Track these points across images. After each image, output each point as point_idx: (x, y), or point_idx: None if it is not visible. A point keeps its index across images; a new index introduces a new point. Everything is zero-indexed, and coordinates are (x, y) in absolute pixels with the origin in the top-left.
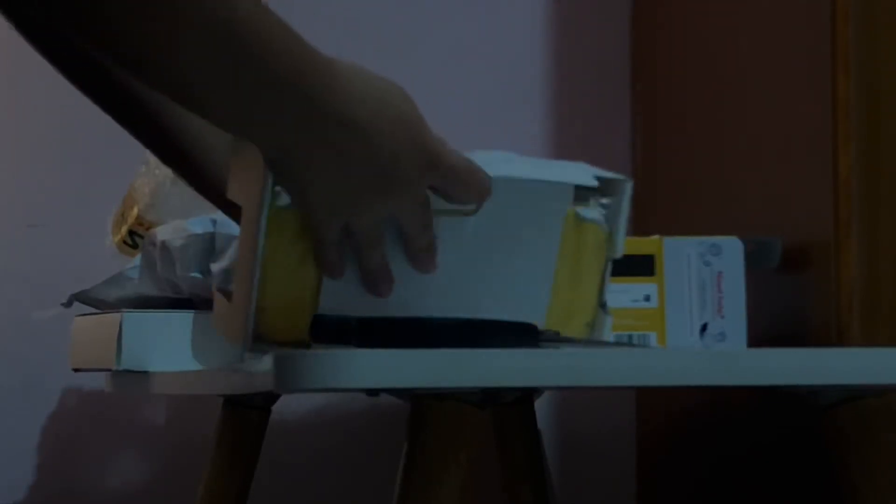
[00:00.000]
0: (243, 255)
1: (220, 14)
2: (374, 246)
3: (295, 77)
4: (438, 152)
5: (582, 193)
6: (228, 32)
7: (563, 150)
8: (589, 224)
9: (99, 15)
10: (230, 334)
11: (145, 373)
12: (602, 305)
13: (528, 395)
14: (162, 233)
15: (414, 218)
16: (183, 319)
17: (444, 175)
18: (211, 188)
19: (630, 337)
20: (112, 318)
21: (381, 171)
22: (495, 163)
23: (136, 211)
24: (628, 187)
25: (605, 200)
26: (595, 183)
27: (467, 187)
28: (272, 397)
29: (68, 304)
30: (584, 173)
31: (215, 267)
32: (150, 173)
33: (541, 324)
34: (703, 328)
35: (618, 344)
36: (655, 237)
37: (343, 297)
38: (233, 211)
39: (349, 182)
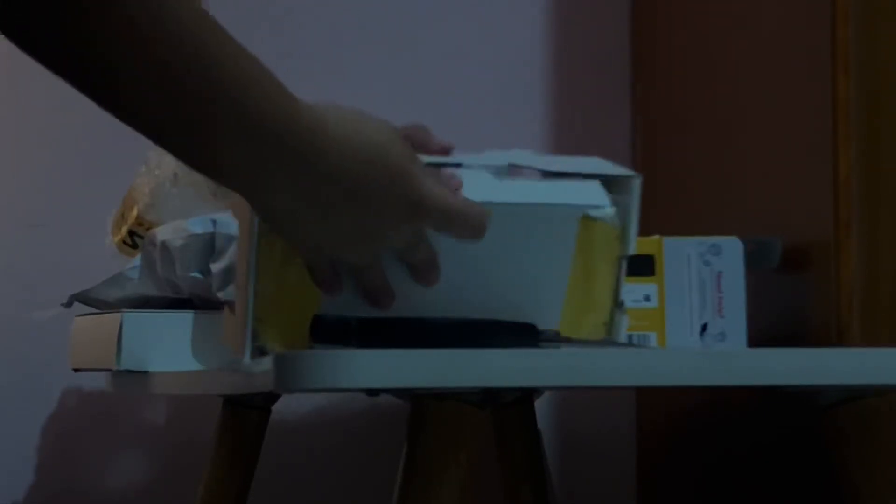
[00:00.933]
0: (240, 268)
1: (193, 58)
2: (367, 269)
3: (283, 130)
4: (427, 198)
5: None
6: (202, 77)
7: (563, 149)
8: (598, 222)
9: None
10: (233, 345)
11: (145, 373)
12: (619, 305)
13: (528, 395)
14: (162, 233)
15: (405, 248)
16: (183, 319)
17: (434, 221)
18: None
19: (630, 337)
20: (112, 318)
21: (367, 222)
22: (500, 187)
23: (135, 211)
24: (637, 184)
25: (614, 196)
26: (606, 203)
27: (460, 229)
28: (272, 397)
29: (68, 305)
30: (594, 193)
31: (215, 267)
32: (150, 173)
33: (556, 327)
34: (703, 328)
35: (617, 344)
36: (655, 237)
37: (344, 304)
38: None
39: (334, 231)
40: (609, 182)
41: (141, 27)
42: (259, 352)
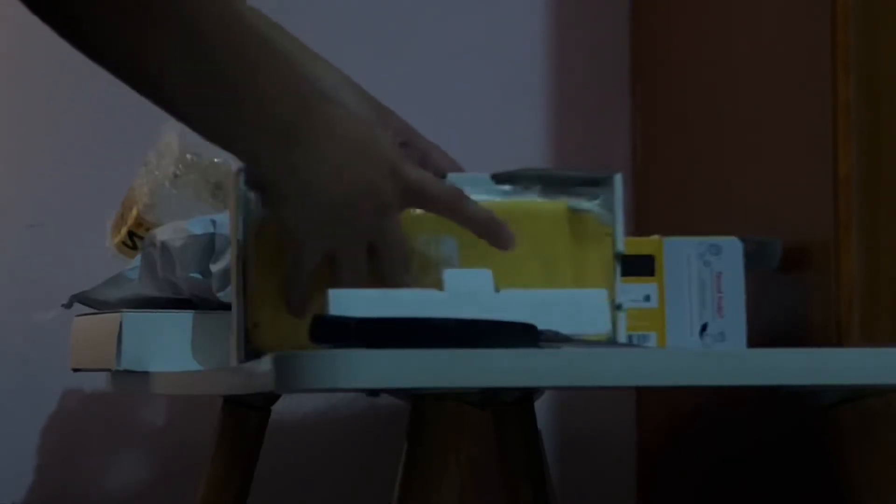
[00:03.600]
0: (232, 272)
1: (204, 29)
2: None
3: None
4: (416, 181)
5: (574, 189)
6: (210, 50)
7: (563, 149)
8: (584, 214)
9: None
10: (232, 348)
11: (145, 373)
12: (618, 307)
13: (528, 395)
14: (162, 233)
15: (392, 248)
16: (183, 319)
17: (423, 201)
18: None
19: (630, 337)
20: (112, 318)
21: (358, 196)
22: (497, 300)
23: (135, 212)
24: (617, 180)
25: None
26: (607, 327)
27: (450, 211)
28: (272, 397)
29: (68, 305)
30: (596, 315)
31: (215, 268)
32: (150, 174)
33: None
34: (703, 328)
35: (618, 344)
36: (655, 237)
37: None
38: None
39: (328, 205)
40: (596, 181)
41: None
42: (253, 354)
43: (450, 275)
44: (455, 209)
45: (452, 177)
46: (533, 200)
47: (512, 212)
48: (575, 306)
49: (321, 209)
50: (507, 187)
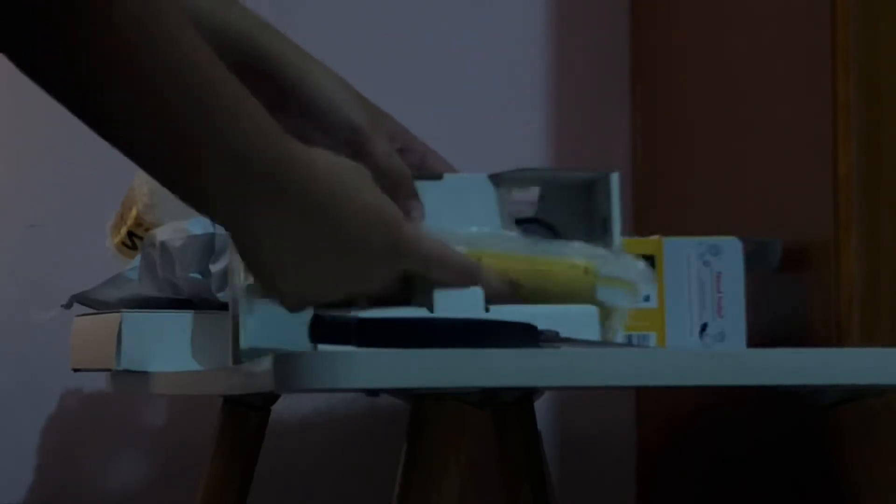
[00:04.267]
0: (230, 275)
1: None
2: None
3: (273, 167)
4: (411, 239)
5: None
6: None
7: (564, 149)
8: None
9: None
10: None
11: (145, 373)
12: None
13: (528, 395)
14: (161, 233)
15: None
16: (183, 320)
17: (413, 264)
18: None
19: (630, 337)
20: (111, 318)
21: (349, 265)
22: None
23: (135, 212)
24: (614, 179)
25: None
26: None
27: (440, 275)
28: (272, 397)
29: (68, 306)
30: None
31: (215, 268)
32: None
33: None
34: (703, 328)
35: (618, 344)
36: (655, 237)
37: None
38: None
39: (313, 274)
40: (594, 181)
41: (134, 48)
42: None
43: (440, 296)
44: (464, 281)
45: (449, 178)
46: (546, 258)
47: (525, 271)
48: (566, 322)
49: (308, 275)
50: (512, 234)
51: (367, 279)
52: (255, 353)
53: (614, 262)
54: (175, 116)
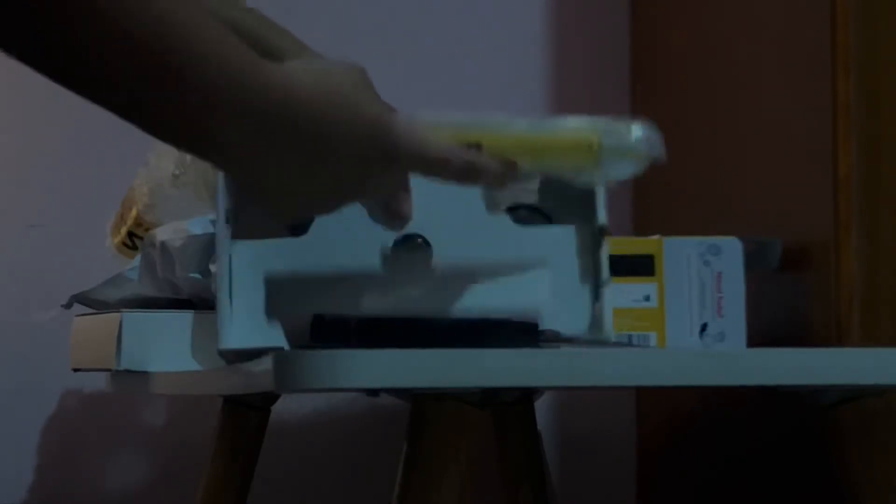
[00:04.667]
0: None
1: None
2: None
3: (252, 89)
4: (407, 144)
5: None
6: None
7: None
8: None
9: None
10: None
11: (145, 373)
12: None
13: (528, 395)
14: (161, 233)
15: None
16: (183, 319)
17: (416, 165)
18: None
19: (630, 337)
20: (111, 318)
21: (342, 176)
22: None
23: (135, 212)
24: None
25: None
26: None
27: (450, 176)
28: (272, 397)
29: (68, 305)
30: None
31: (214, 267)
32: (150, 174)
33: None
34: (703, 328)
35: (618, 344)
36: (655, 237)
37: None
38: None
39: (308, 188)
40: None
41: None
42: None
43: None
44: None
45: None
46: (549, 136)
47: (528, 151)
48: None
49: (304, 188)
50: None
51: (367, 188)
52: (239, 353)
53: (618, 131)
54: (153, 40)
